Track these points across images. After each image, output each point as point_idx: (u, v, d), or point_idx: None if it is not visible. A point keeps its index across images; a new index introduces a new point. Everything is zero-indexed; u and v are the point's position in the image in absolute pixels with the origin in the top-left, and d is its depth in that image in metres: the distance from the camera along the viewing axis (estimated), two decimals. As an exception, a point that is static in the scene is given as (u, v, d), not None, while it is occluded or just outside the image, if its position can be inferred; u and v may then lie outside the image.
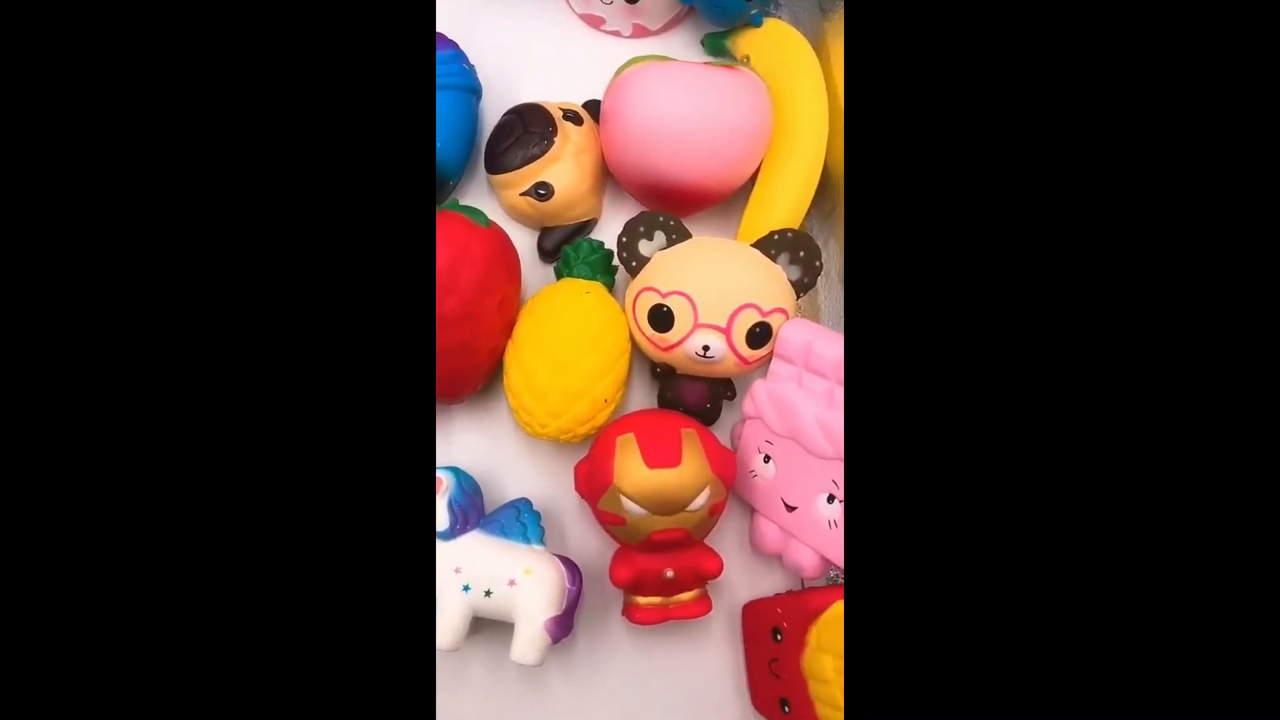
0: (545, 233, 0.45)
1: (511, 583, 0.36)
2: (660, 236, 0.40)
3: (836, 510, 0.37)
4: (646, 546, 0.36)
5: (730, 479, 0.37)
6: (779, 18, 0.47)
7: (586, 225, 0.46)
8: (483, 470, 0.41)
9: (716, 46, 0.49)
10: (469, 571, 0.36)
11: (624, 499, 0.35)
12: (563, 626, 0.36)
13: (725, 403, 0.43)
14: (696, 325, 0.37)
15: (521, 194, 0.43)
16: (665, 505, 0.35)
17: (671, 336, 0.38)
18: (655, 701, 0.40)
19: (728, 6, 0.45)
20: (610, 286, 0.42)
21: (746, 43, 0.47)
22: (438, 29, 0.43)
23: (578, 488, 0.38)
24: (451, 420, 0.43)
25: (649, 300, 0.38)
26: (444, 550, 0.37)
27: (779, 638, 0.37)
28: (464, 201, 0.42)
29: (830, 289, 0.46)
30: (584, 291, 0.40)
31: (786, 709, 0.36)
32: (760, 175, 0.44)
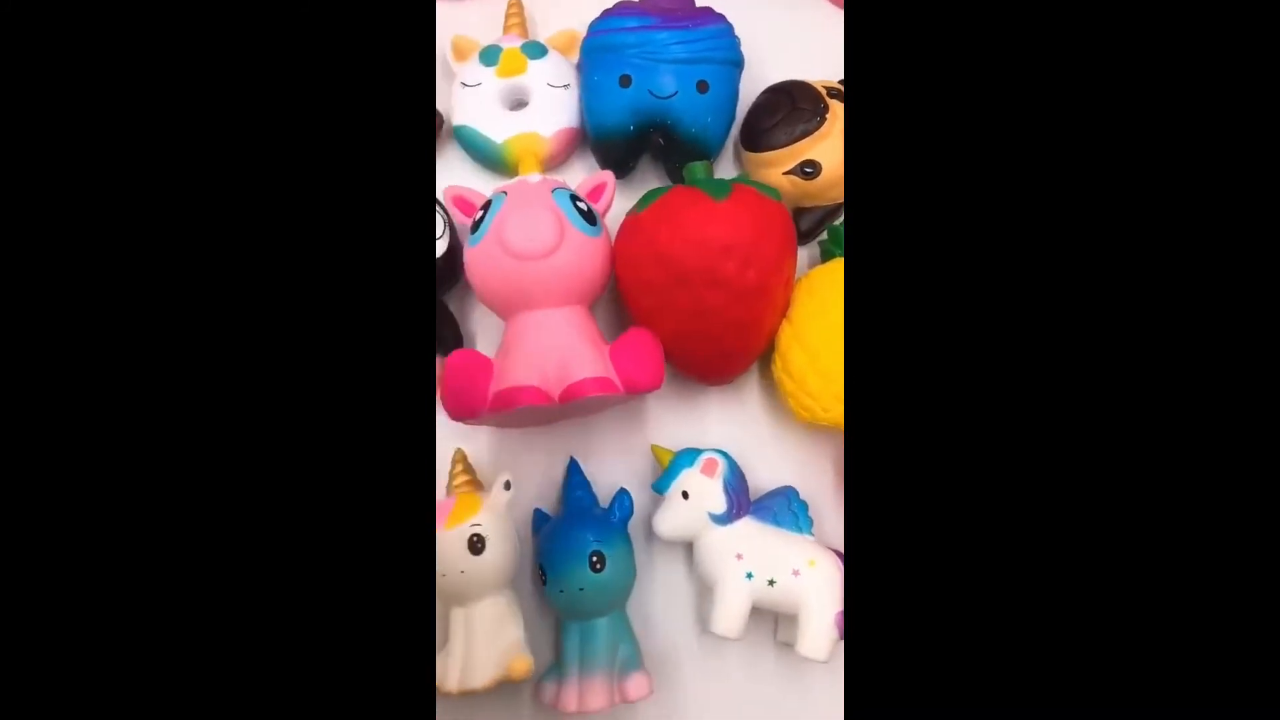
0: (801, 213, 0.43)
1: (796, 573, 0.35)
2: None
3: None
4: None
5: None
6: None
7: (839, 207, 0.44)
8: (735, 455, 0.41)
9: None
10: (751, 559, 0.36)
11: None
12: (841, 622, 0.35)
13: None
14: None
15: (785, 172, 0.41)
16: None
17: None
18: None
19: None
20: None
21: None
22: (705, 3, 0.42)
23: None
24: (702, 403, 0.43)
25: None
26: (722, 535, 0.36)
27: None
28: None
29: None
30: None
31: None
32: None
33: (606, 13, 0.42)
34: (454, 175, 0.47)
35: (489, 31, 0.46)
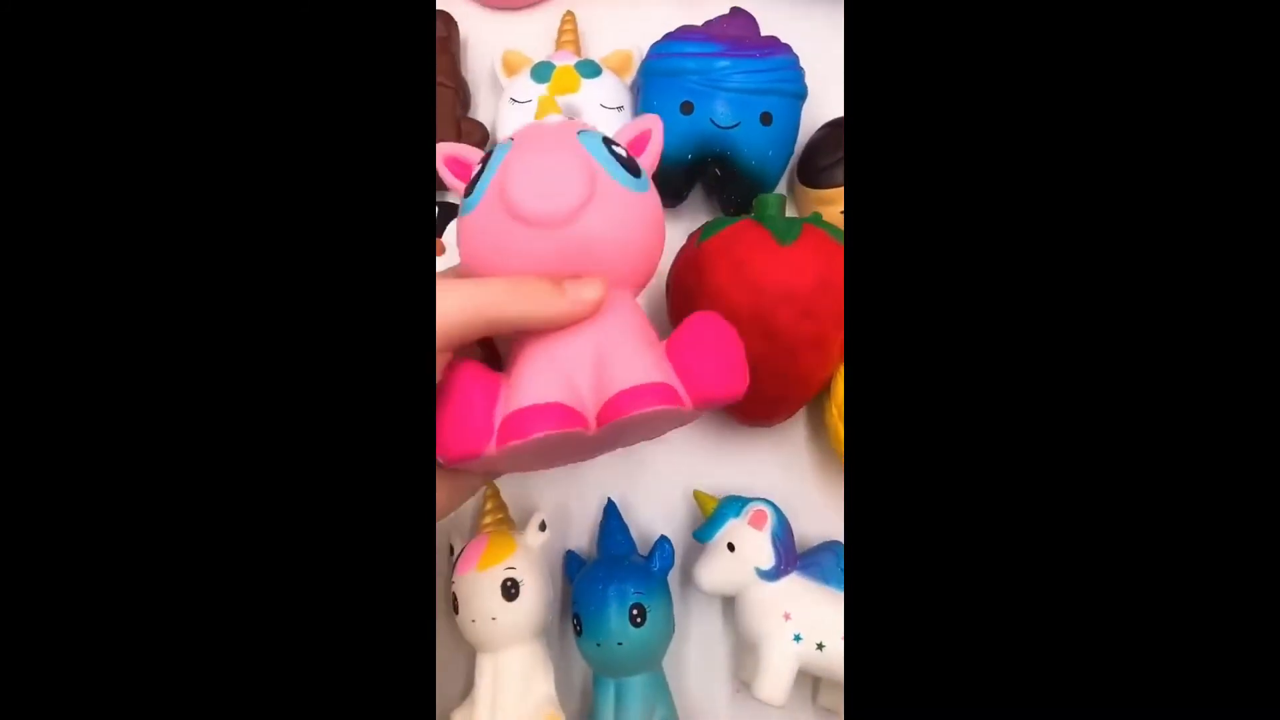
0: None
1: (848, 638, 0.33)
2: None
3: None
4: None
5: None
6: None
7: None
8: (779, 502, 0.39)
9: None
10: (800, 620, 0.34)
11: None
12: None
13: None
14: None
15: (843, 210, 0.40)
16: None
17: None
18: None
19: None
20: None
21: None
22: (769, 33, 0.41)
23: None
24: (743, 443, 0.41)
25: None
26: (769, 592, 0.34)
27: None
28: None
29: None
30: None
31: None
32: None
33: (670, 35, 0.40)
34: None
35: (540, 48, 0.45)
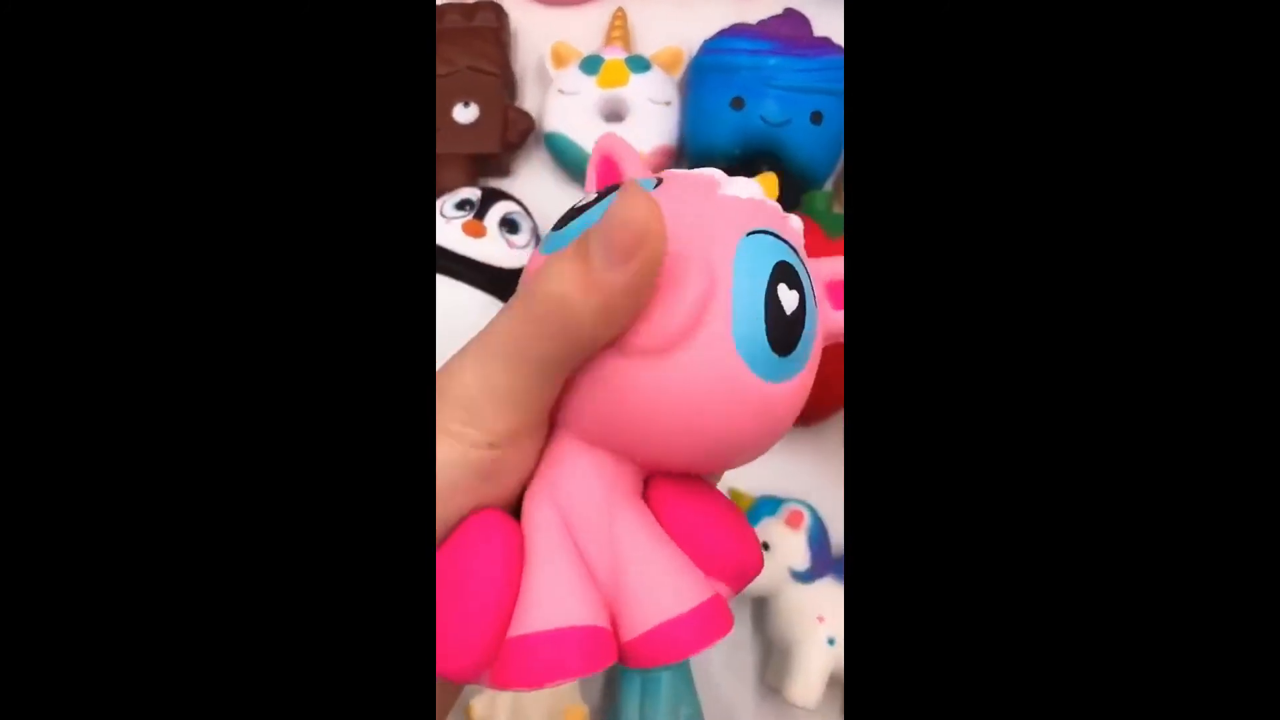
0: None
1: (883, 644, 0.32)
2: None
3: None
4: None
5: None
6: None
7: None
8: (815, 506, 0.38)
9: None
10: (834, 623, 0.33)
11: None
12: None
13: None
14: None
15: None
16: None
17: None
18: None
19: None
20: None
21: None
22: (822, 34, 0.41)
23: None
24: (779, 444, 0.40)
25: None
26: (803, 594, 0.34)
27: None
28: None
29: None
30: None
31: None
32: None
33: (723, 32, 0.40)
34: (536, 182, 0.45)
35: (589, 43, 0.45)
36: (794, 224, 0.18)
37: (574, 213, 0.17)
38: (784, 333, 0.15)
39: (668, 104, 0.42)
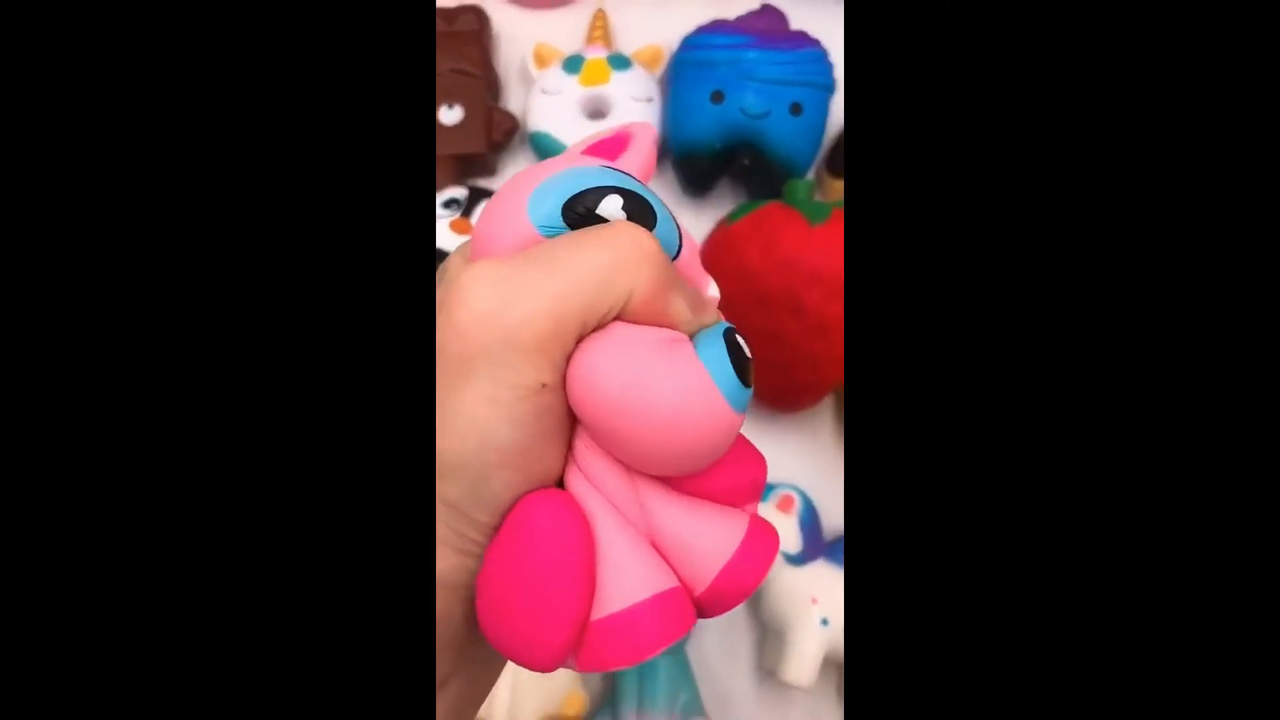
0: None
1: (876, 623, 0.33)
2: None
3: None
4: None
5: None
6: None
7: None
8: (806, 490, 0.39)
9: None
10: (827, 604, 0.33)
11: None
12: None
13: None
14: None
15: (871, 203, 0.40)
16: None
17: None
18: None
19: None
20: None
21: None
22: (797, 27, 0.41)
23: None
24: (771, 431, 0.41)
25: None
26: (796, 576, 0.34)
27: None
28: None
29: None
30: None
31: None
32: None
33: (701, 28, 0.41)
34: (522, 183, 0.45)
35: (570, 44, 0.46)
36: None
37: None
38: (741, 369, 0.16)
39: (649, 101, 0.43)
